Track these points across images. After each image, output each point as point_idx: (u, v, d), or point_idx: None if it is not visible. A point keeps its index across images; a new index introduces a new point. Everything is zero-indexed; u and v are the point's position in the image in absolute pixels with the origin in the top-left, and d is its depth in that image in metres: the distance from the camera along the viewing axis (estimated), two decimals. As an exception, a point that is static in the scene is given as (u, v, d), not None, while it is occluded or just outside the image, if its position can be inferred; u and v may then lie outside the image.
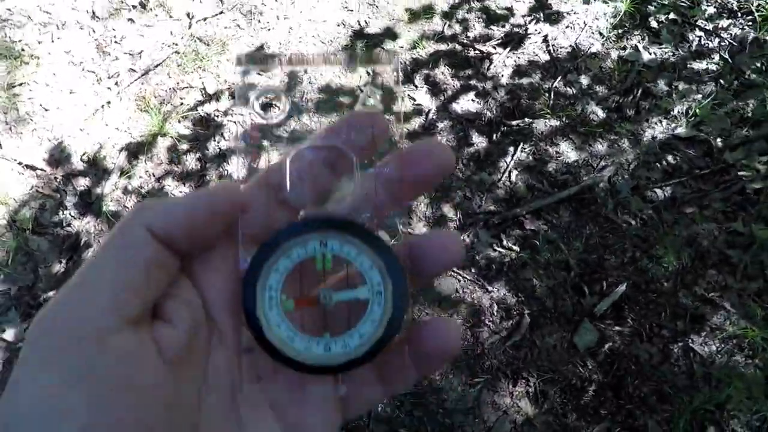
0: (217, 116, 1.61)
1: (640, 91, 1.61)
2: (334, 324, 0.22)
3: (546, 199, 1.44)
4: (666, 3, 1.76)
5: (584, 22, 1.76)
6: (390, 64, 0.23)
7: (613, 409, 1.18)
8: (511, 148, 1.54)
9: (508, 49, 1.72)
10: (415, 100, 1.64)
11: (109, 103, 1.64)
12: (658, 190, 1.47)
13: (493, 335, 1.26)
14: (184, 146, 1.56)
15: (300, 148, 0.22)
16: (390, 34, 1.76)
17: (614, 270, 1.35)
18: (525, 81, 1.67)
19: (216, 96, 1.65)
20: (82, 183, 1.50)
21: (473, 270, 1.35)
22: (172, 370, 0.19)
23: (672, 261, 1.35)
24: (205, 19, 1.80)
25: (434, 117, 1.60)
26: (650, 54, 1.68)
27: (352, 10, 1.82)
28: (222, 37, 1.76)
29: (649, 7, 1.76)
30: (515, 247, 1.38)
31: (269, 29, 1.78)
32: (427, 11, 1.79)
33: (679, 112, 1.58)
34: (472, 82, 1.67)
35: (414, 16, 1.79)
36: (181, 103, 1.64)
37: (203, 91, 1.66)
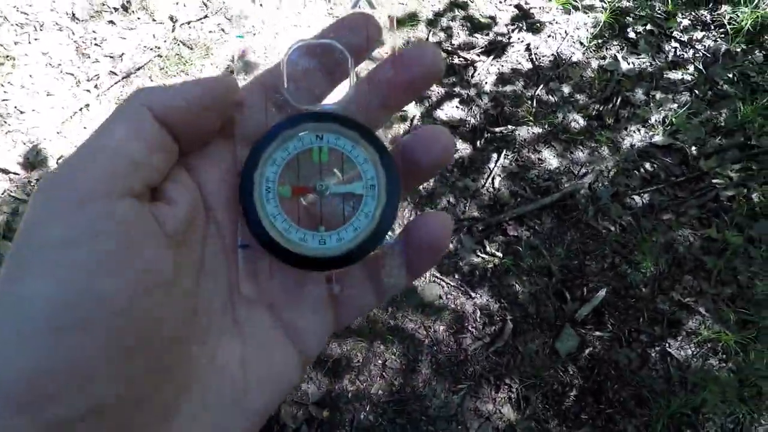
0: (200, 120, 1.59)
1: (619, 100, 1.65)
2: (330, 219, 0.22)
3: (529, 206, 1.46)
4: (643, 14, 1.81)
5: (565, 32, 1.79)
6: None
7: (593, 414, 1.19)
8: (495, 155, 1.56)
9: (491, 57, 1.74)
10: (399, 106, 1.64)
11: (87, 106, 1.60)
12: (636, 197, 1.50)
13: (476, 341, 1.26)
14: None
15: (297, 45, 0.22)
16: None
17: (595, 276, 1.38)
18: (508, 88, 1.69)
19: (199, 100, 1.63)
20: (59, 187, 1.46)
21: (457, 276, 1.35)
22: (171, 246, 0.19)
23: (650, 267, 1.38)
24: (188, 23, 1.78)
25: (418, 123, 1.61)
26: (629, 63, 1.72)
27: (337, 17, 1.82)
28: (206, 41, 1.74)
29: (627, 18, 1.80)
30: (498, 253, 1.39)
31: (254, 34, 1.77)
32: (412, 18, 1.81)
33: (656, 120, 1.62)
34: (457, 89, 1.68)
35: (399, 23, 1.81)
36: (163, 107, 1.62)
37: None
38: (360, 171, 0.22)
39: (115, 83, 1.64)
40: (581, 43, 1.76)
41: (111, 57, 1.70)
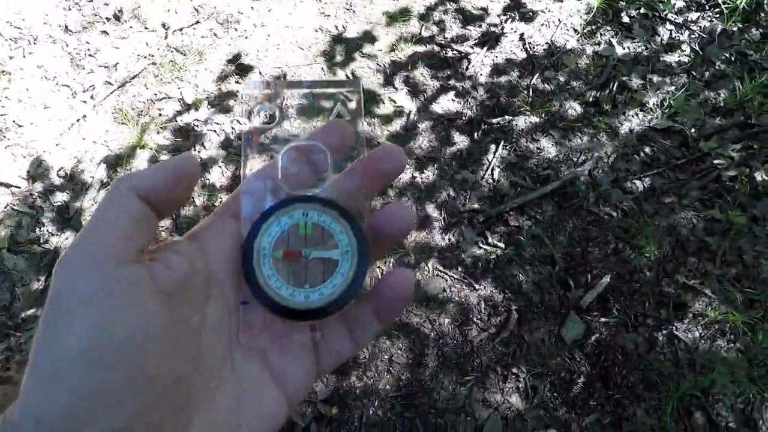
0: (197, 126, 1.59)
1: (615, 85, 1.64)
2: (313, 279, 0.27)
3: (529, 195, 1.46)
4: (636, -2, 1.79)
5: (558, 20, 1.78)
6: (356, 89, 0.31)
7: (602, 400, 1.19)
8: (493, 146, 1.56)
9: (485, 48, 1.74)
10: (395, 102, 1.64)
11: (85, 116, 1.61)
12: (637, 182, 1.49)
13: (482, 332, 1.26)
14: (164, 157, 1.54)
15: (290, 146, 0.29)
16: (368, 37, 1.77)
17: (598, 262, 1.37)
18: (503, 79, 1.68)
19: (195, 105, 1.63)
20: (60, 198, 1.47)
21: (460, 269, 1.35)
22: (168, 302, 0.22)
23: (653, 250, 1.37)
24: (181, 30, 1.78)
25: (415, 118, 1.61)
26: (624, 48, 1.71)
27: (329, 16, 1.82)
28: (199, 47, 1.75)
29: (620, 2, 1.79)
30: (500, 244, 1.39)
31: (246, 37, 1.78)
32: (404, 14, 1.80)
33: (654, 104, 1.61)
34: (452, 82, 1.68)
35: (391, 18, 1.80)
36: (160, 114, 1.62)
37: (181, 101, 1.65)
38: (337, 241, 0.28)
39: (111, 93, 1.65)
40: (575, 30, 1.75)
41: (105, 67, 1.70)
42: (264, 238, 0.27)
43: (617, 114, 1.60)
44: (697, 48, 1.69)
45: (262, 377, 0.26)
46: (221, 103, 1.64)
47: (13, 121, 1.56)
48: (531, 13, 1.80)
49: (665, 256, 1.38)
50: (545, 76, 1.68)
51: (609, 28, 1.75)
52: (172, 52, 1.73)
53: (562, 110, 1.61)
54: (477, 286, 1.33)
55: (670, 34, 1.73)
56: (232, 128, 1.60)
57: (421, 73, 1.69)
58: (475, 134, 1.58)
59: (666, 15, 1.76)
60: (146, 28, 1.78)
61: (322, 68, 1.70)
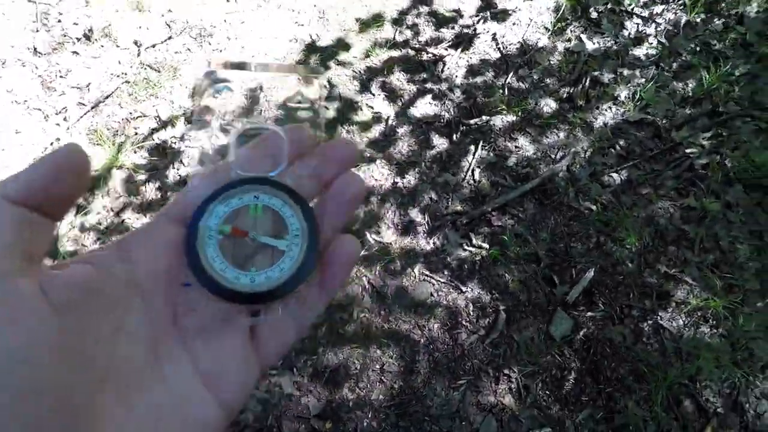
0: (174, 143, 1.58)
1: (588, 80, 1.67)
2: (260, 262, 0.26)
3: (510, 194, 1.47)
4: (603, -5, 1.83)
5: (529, 18, 1.81)
6: (316, 74, 0.31)
7: (593, 395, 1.21)
8: (472, 147, 1.57)
9: (459, 49, 1.75)
10: (373, 108, 1.64)
11: (58, 139, 1.58)
12: (614, 175, 1.52)
13: (472, 335, 1.27)
14: (142, 176, 1.52)
15: (243, 128, 0.29)
16: (342, 45, 1.77)
17: (581, 256, 1.39)
18: (479, 80, 1.70)
19: (171, 122, 1.61)
20: (36, 226, 1.44)
21: (446, 272, 1.36)
22: (62, 314, 0.21)
23: (634, 242, 1.40)
24: (153, 46, 1.76)
25: (394, 123, 1.62)
26: (594, 43, 1.74)
27: (303, 25, 1.82)
28: (173, 63, 1.73)
29: (587, -1, 1.83)
30: (485, 245, 1.40)
31: (221, 50, 1.76)
32: (377, 19, 1.81)
33: (626, 97, 1.64)
34: (428, 85, 1.69)
35: (364, 25, 1.81)
36: (136, 133, 1.60)
37: (157, 119, 1.62)
38: (287, 223, 0.27)
39: (85, 114, 1.62)
40: (546, 28, 1.78)
41: (78, 88, 1.67)
42: (210, 218, 0.26)
43: (591, 109, 1.63)
44: (664, 40, 1.73)
45: (192, 383, 0.24)
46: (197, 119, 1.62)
47: (-17, 150, 1.53)
48: (502, 13, 1.82)
49: (646, 246, 1.40)
50: (519, 74, 1.70)
51: (578, 25, 1.79)
52: (145, 69, 1.71)
53: (537, 108, 1.63)
54: (464, 289, 1.33)
55: (637, 27, 1.77)
56: (212, 143, 1.58)
57: (398, 78, 1.70)
58: (454, 136, 1.59)
59: (632, 9, 1.80)
60: (118, 46, 1.75)
61: (298, 78, 1.69)
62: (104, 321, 0.23)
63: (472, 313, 1.30)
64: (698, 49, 1.70)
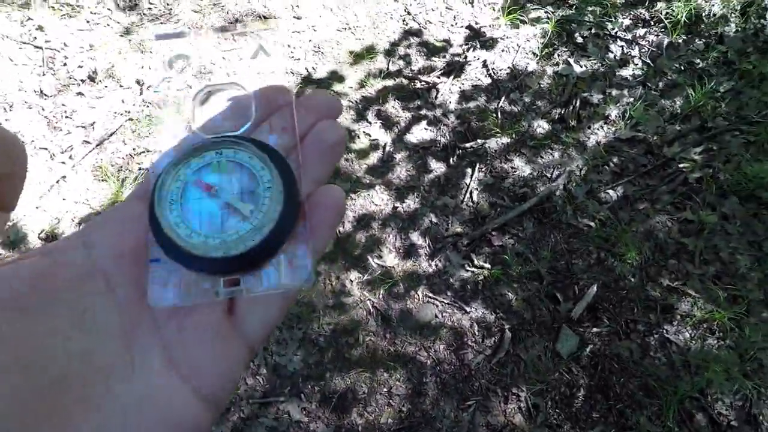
0: (177, 176, 1.61)
1: (578, 102, 1.72)
2: (230, 223, 0.23)
3: (509, 214, 1.49)
4: (586, 20, 1.91)
5: (517, 45, 1.88)
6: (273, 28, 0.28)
7: (604, 411, 1.19)
8: (469, 170, 1.60)
9: (451, 77, 1.81)
10: (370, 135, 1.69)
11: (64, 177, 1.61)
12: (610, 191, 1.55)
13: (478, 355, 1.26)
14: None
15: (205, 88, 0.26)
16: (337, 77, 1.83)
17: (583, 273, 1.40)
18: (472, 104, 1.75)
19: (174, 157, 1.65)
20: (42, 262, 1.45)
21: (449, 293, 1.36)
22: (8, 307, 0.19)
23: (634, 256, 1.41)
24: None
25: (391, 149, 1.66)
26: (581, 66, 1.81)
27: (298, 59, 1.89)
28: (174, 99, 1.79)
29: (572, 25, 1.91)
30: (486, 265, 1.41)
31: (161, 79, 1.82)
32: (370, 51, 1.88)
33: (616, 115, 1.69)
34: (423, 111, 1.74)
35: (358, 57, 1.88)
36: (139, 168, 1.63)
37: (160, 153, 1.67)
38: (257, 177, 0.24)
39: (89, 152, 1.66)
40: (534, 54, 1.85)
41: (83, 127, 1.72)
42: (171, 183, 0.24)
43: (583, 128, 1.67)
44: (649, 61, 1.80)
45: (164, 374, 0.21)
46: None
47: (-10, 189, 1.56)
48: (491, 41, 1.89)
49: (646, 260, 1.41)
50: (511, 98, 1.76)
51: (565, 49, 1.86)
52: (147, 106, 1.76)
53: (531, 129, 1.68)
54: (468, 309, 1.34)
55: (622, 50, 1.84)
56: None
57: (393, 106, 1.75)
58: (451, 160, 1.63)
59: (616, 33, 1.88)
60: (121, 86, 1.82)
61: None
62: (59, 314, 0.21)
63: (477, 333, 1.30)
64: (682, 68, 1.76)
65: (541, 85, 1.78)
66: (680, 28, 1.83)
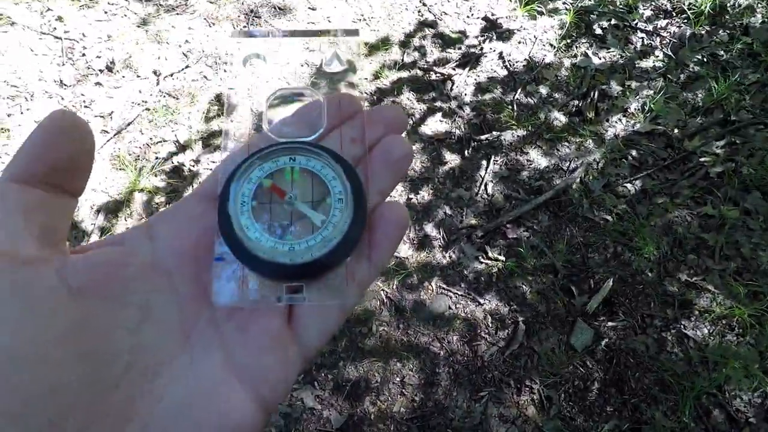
0: (192, 166, 1.63)
1: (596, 94, 1.69)
2: (300, 230, 0.23)
3: (524, 207, 1.48)
4: (606, 11, 1.87)
5: (534, 36, 1.85)
6: (352, 37, 0.29)
7: (618, 405, 1.18)
8: (484, 162, 1.59)
9: (467, 68, 1.80)
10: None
11: (83, 165, 1.64)
12: (628, 185, 1.52)
13: (491, 347, 1.26)
14: (162, 198, 1.56)
15: (278, 92, 0.27)
16: (351, 67, 1.83)
17: (599, 267, 1.38)
18: (487, 97, 1.74)
19: (189, 146, 1.67)
20: (62, 248, 1.48)
21: (463, 285, 1.36)
22: (80, 296, 0.19)
23: (652, 251, 1.39)
24: (171, 75, 1.84)
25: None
26: (600, 58, 1.78)
27: (313, 50, 1.88)
28: (190, 90, 1.80)
29: (591, 16, 1.87)
30: (501, 257, 1.40)
31: (235, 76, 1.83)
32: (385, 42, 1.87)
33: (635, 108, 1.66)
34: (438, 103, 1.73)
35: (373, 48, 1.87)
36: (156, 157, 1.65)
37: (176, 143, 1.68)
38: (329, 187, 0.24)
39: (108, 141, 1.69)
40: (551, 45, 1.82)
41: (101, 116, 1.75)
42: (244, 184, 0.24)
43: (601, 121, 1.65)
44: (670, 53, 1.76)
45: (223, 375, 0.21)
46: (212, 141, 1.68)
47: (13, 176, 1.59)
48: (507, 32, 1.87)
49: (664, 255, 1.39)
50: (527, 90, 1.74)
51: (584, 41, 1.83)
52: (164, 97, 1.78)
53: (547, 121, 1.65)
54: (482, 301, 1.33)
55: (643, 41, 1.80)
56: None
57: (407, 98, 1.75)
58: (466, 152, 1.62)
59: (636, 24, 1.84)
60: (138, 76, 1.83)
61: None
62: (128, 304, 0.21)
63: (490, 325, 1.29)
64: (705, 60, 1.72)
65: (559, 77, 1.76)
66: (703, 19, 1.78)
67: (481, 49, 1.83)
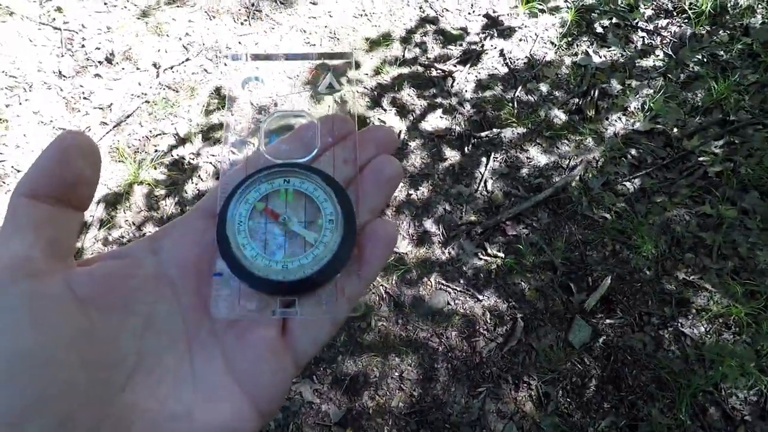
0: (192, 159, 1.62)
1: (596, 92, 1.70)
2: (293, 249, 0.25)
3: (523, 204, 1.48)
4: (607, 9, 1.88)
5: (535, 34, 1.85)
6: (346, 60, 0.30)
7: (615, 402, 1.18)
8: (484, 159, 1.59)
9: (467, 65, 1.80)
10: (385, 123, 1.68)
11: (81, 158, 1.63)
12: (627, 183, 1.53)
13: (490, 343, 1.26)
14: (162, 192, 1.55)
15: (274, 114, 0.28)
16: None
17: (597, 264, 1.39)
18: (488, 94, 1.74)
19: (189, 139, 1.66)
20: (60, 240, 1.47)
21: (462, 281, 1.36)
22: (88, 309, 0.20)
23: (650, 249, 1.39)
24: (171, 68, 1.83)
25: (406, 137, 1.65)
26: (600, 57, 1.78)
27: (314, 45, 1.88)
28: (190, 83, 1.79)
29: (592, 14, 1.87)
30: (500, 254, 1.40)
31: (236, 69, 1.83)
32: (386, 38, 1.87)
33: (635, 107, 1.67)
34: (438, 100, 1.73)
35: (374, 44, 1.86)
36: (156, 150, 1.65)
37: (176, 136, 1.67)
38: (321, 208, 0.25)
39: (107, 133, 1.68)
40: (552, 43, 1.82)
41: (100, 108, 1.74)
42: (240, 205, 0.25)
43: (601, 119, 1.65)
44: (670, 52, 1.76)
45: (224, 382, 0.22)
46: (212, 135, 1.67)
47: (12, 167, 1.58)
48: (508, 30, 1.87)
49: (662, 254, 1.40)
50: (528, 87, 1.74)
51: (584, 39, 1.83)
52: (164, 89, 1.77)
53: (547, 119, 1.66)
54: (480, 297, 1.33)
55: (643, 40, 1.81)
56: (228, 159, 1.63)
57: (408, 94, 1.74)
58: (466, 148, 1.62)
59: (637, 23, 1.84)
60: (138, 68, 1.82)
61: (310, 95, 1.74)
62: (133, 314, 0.22)
63: (489, 321, 1.30)
64: (705, 60, 1.73)
65: (559, 75, 1.76)
66: (704, 19, 1.79)
67: (482, 46, 1.83)
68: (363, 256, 0.25)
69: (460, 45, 1.85)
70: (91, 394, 0.19)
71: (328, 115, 0.28)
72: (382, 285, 1.33)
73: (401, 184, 1.55)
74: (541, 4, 1.89)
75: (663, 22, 1.84)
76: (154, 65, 1.83)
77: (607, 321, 1.29)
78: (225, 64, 1.74)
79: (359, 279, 0.25)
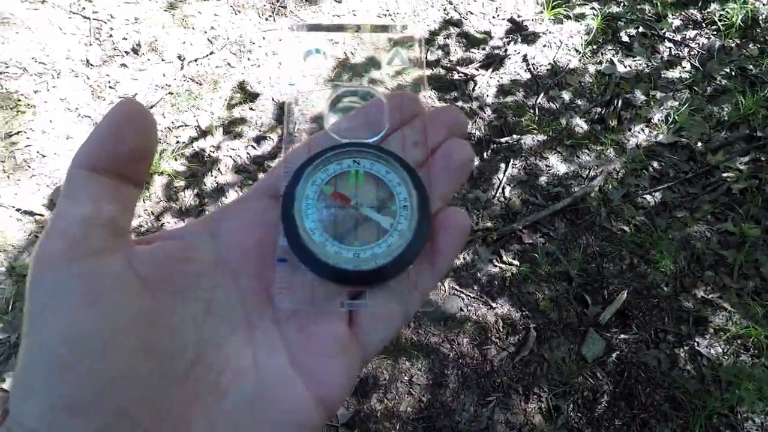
0: (213, 152, 1.63)
1: (620, 102, 1.67)
2: (365, 235, 0.23)
3: (541, 212, 1.47)
4: (633, 18, 1.85)
5: (560, 41, 1.83)
6: (415, 36, 0.28)
7: (627, 420, 1.17)
8: (503, 165, 1.58)
9: (490, 69, 1.78)
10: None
11: (104, 146, 1.66)
12: (648, 196, 1.50)
13: (501, 352, 1.25)
14: (181, 183, 1.57)
15: (340, 91, 0.26)
16: (375, 62, 1.82)
17: (614, 277, 1.37)
18: (509, 99, 1.72)
19: (210, 132, 1.68)
20: (80, 227, 1.50)
21: (476, 287, 1.35)
22: (151, 290, 0.20)
23: (669, 265, 1.37)
24: (196, 60, 1.85)
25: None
26: (625, 66, 1.75)
27: (337, 43, 1.88)
28: (214, 76, 1.81)
29: (618, 23, 1.85)
30: (515, 262, 1.39)
31: (258, 66, 1.84)
32: (409, 39, 1.86)
33: (659, 119, 1.64)
34: (459, 103, 1.72)
35: (396, 44, 1.86)
36: (177, 141, 1.67)
37: (197, 128, 1.69)
38: (394, 193, 0.23)
39: (129, 123, 1.70)
40: (576, 50, 1.80)
41: (125, 97, 1.76)
42: (308, 185, 0.23)
43: (623, 130, 1.63)
44: (698, 64, 1.73)
45: (287, 374, 0.21)
46: (233, 129, 1.68)
47: (38, 152, 1.61)
48: (532, 36, 1.85)
49: (681, 270, 1.37)
50: (550, 95, 1.72)
51: (610, 47, 1.80)
52: (188, 81, 1.79)
53: (568, 127, 1.64)
54: (494, 305, 1.32)
55: (670, 51, 1.78)
56: (247, 153, 1.64)
57: (429, 96, 1.74)
58: (485, 154, 1.61)
59: (664, 33, 1.81)
60: (163, 60, 1.85)
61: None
62: (193, 300, 0.21)
63: (502, 329, 1.29)
64: (733, 73, 1.69)
65: (582, 84, 1.74)
66: (734, 32, 1.75)
67: (506, 50, 1.82)
68: (436, 246, 0.23)
69: (483, 49, 1.84)
70: (149, 385, 0.18)
71: (397, 92, 0.26)
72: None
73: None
74: (566, 11, 1.86)
75: (691, 33, 1.80)
76: (179, 57, 1.85)
77: (622, 336, 1.27)
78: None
79: (433, 271, 0.23)
